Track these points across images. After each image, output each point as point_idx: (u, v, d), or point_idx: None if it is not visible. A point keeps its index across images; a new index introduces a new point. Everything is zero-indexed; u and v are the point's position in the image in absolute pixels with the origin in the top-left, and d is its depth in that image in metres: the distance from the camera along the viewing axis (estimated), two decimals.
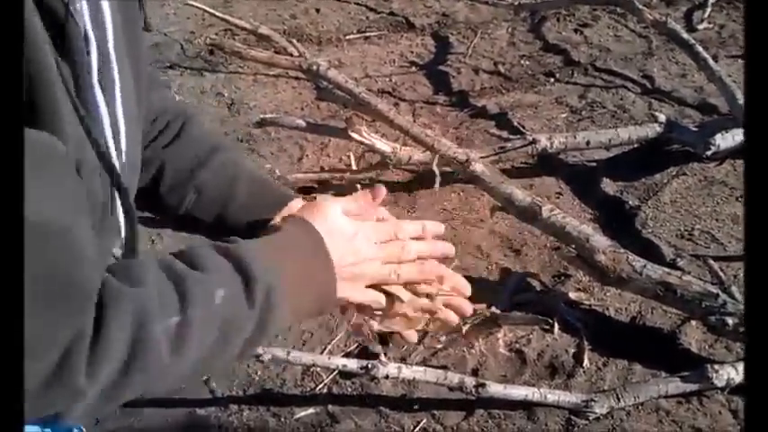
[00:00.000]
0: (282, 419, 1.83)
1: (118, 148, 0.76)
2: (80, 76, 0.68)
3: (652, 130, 2.54)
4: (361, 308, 0.89)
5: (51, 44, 0.62)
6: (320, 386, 1.89)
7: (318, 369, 1.90)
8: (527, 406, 1.77)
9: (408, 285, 0.90)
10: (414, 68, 3.37)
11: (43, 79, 0.60)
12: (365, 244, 0.84)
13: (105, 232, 0.74)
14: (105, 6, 0.72)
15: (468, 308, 0.98)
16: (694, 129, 2.57)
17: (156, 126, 0.97)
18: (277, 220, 0.94)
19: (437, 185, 2.18)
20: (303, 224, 0.81)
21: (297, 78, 3.20)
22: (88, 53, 0.70)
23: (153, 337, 0.63)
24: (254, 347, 0.75)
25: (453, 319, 0.98)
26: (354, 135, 2.36)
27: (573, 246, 1.94)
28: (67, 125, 0.63)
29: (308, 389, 1.89)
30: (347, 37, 3.66)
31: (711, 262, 1.96)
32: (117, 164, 0.75)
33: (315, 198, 0.93)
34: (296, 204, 0.96)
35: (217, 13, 2.80)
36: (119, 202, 0.76)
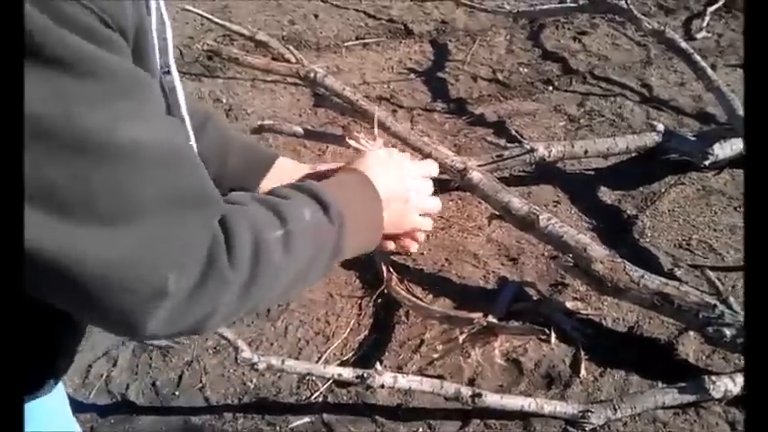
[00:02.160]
0: (277, 428, 1.82)
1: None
2: (164, 53, 0.79)
3: (650, 139, 2.54)
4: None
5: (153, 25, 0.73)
6: (316, 395, 1.88)
7: (314, 378, 1.89)
8: (523, 416, 1.76)
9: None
10: (412, 75, 3.37)
11: (152, 61, 0.72)
12: (410, 188, 0.98)
13: None
14: (165, 12, 0.81)
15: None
16: (692, 138, 2.57)
17: None
18: (273, 178, 1.06)
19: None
20: (359, 174, 0.93)
21: (295, 85, 3.19)
22: (163, 52, 0.80)
23: (269, 241, 0.74)
24: (334, 262, 0.86)
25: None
26: (352, 142, 2.35)
27: (570, 255, 1.93)
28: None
29: (304, 397, 1.88)
30: (346, 43, 3.66)
31: (709, 272, 1.95)
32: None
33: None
34: (283, 163, 1.09)
35: (215, 19, 2.79)
36: None
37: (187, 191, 0.67)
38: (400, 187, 0.96)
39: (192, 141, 0.88)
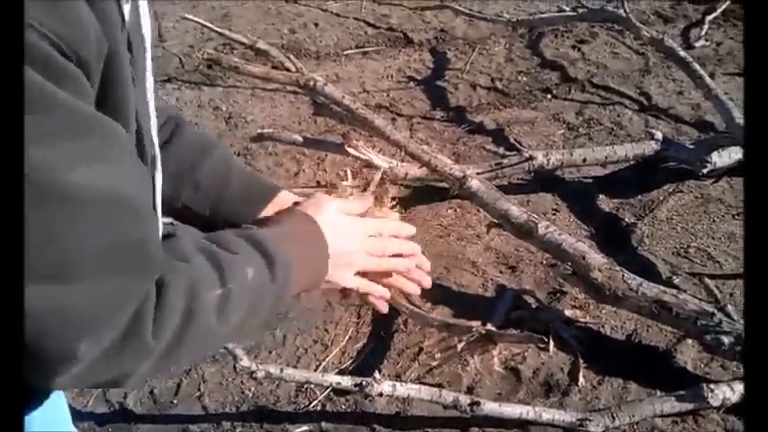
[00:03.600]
0: None
1: (155, 147, 0.85)
2: (138, 75, 0.75)
3: (648, 148, 2.54)
4: (346, 291, 1.02)
5: (126, 45, 0.69)
6: (314, 403, 1.88)
7: (312, 386, 1.89)
8: (522, 424, 1.76)
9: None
10: (411, 84, 3.38)
11: (122, 78, 0.67)
12: (358, 237, 0.98)
13: None
14: (145, 11, 0.78)
15: (427, 281, 1.10)
16: (691, 146, 2.57)
17: None
18: (272, 210, 1.04)
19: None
20: (306, 217, 0.93)
21: (294, 93, 3.20)
22: (134, 61, 0.75)
23: (204, 305, 0.72)
24: (272, 316, 0.88)
25: (413, 288, 1.10)
26: (351, 150, 2.36)
27: (569, 263, 1.93)
28: (131, 123, 0.71)
29: (302, 406, 1.88)
30: (345, 52, 3.67)
31: (707, 280, 1.95)
32: (159, 165, 0.84)
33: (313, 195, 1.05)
34: (284, 196, 1.07)
35: (215, 28, 2.80)
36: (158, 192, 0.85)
37: (124, 249, 0.63)
38: (347, 245, 0.96)
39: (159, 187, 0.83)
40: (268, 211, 1.05)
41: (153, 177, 0.81)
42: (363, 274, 1.00)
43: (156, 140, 0.82)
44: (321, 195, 1.00)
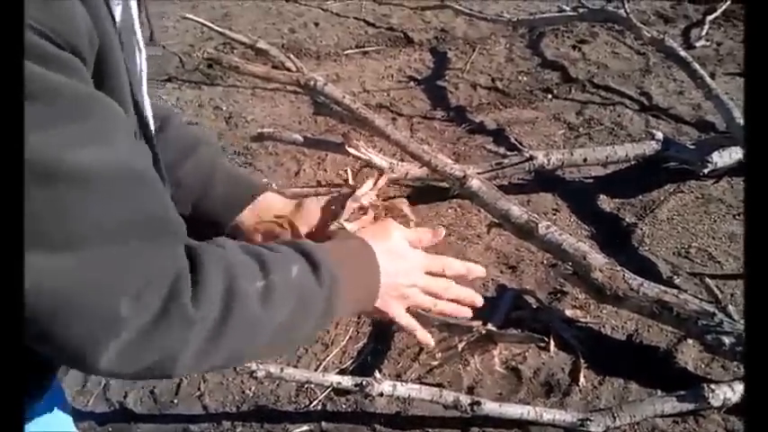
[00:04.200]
0: None
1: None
2: (134, 78, 0.74)
3: (649, 148, 2.54)
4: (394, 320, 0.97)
5: (120, 48, 0.69)
6: (314, 403, 1.88)
7: (313, 386, 1.89)
8: (522, 424, 1.75)
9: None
10: (412, 84, 3.38)
11: (118, 74, 0.68)
12: (417, 272, 0.93)
13: None
14: (135, 16, 0.78)
15: (479, 300, 1.04)
16: (691, 146, 2.57)
17: None
18: (257, 210, 1.02)
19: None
20: (359, 240, 0.89)
21: (294, 93, 3.20)
22: (129, 57, 0.75)
23: (244, 290, 0.70)
24: (322, 327, 0.82)
25: (465, 312, 1.05)
26: (352, 150, 2.36)
27: (569, 263, 1.93)
28: (130, 107, 0.71)
29: (303, 405, 1.88)
30: (346, 52, 3.67)
31: (708, 280, 1.95)
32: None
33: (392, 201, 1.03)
34: (269, 197, 1.04)
35: (215, 27, 2.79)
36: None
37: (144, 219, 0.64)
38: (404, 278, 0.91)
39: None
40: (253, 210, 1.02)
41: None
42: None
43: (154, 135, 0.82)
44: (387, 222, 0.96)
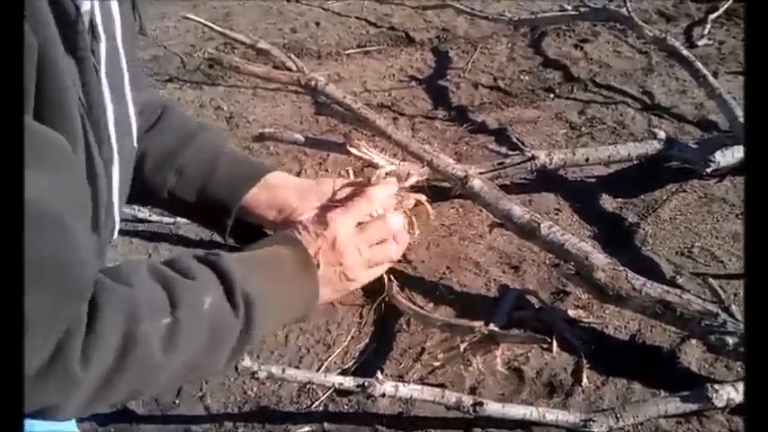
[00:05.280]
0: None
1: (128, 141, 0.79)
2: (86, 73, 0.71)
3: (652, 147, 2.53)
4: None
5: (61, 41, 0.65)
6: (316, 404, 1.87)
7: (315, 386, 1.88)
8: (525, 425, 1.75)
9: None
10: (413, 83, 3.38)
11: (54, 75, 0.63)
12: (359, 261, 0.92)
13: (104, 229, 0.76)
14: (114, 7, 0.77)
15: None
16: (694, 145, 2.56)
17: (139, 118, 0.98)
18: (263, 192, 1.01)
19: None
20: (296, 247, 0.86)
21: (296, 93, 3.20)
22: (93, 51, 0.73)
23: (145, 334, 0.65)
24: (240, 354, 0.78)
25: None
26: (353, 150, 2.34)
27: (572, 263, 1.92)
28: (73, 120, 0.66)
29: (304, 406, 1.87)
30: (347, 51, 3.66)
31: (711, 280, 1.94)
32: (117, 158, 0.79)
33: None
34: (276, 176, 1.03)
35: (216, 27, 2.79)
36: (116, 199, 0.80)
37: (42, 264, 0.58)
38: (332, 257, 0.89)
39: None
40: (262, 190, 1.01)
41: (110, 173, 0.78)
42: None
43: (114, 135, 0.78)
44: (333, 214, 0.93)
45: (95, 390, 0.63)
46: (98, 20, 0.74)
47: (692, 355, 1.93)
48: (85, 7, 0.70)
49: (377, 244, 0.96)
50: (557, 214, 2.49)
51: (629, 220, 2.46)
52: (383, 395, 1.72)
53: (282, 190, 1.01)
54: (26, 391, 0.58)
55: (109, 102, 0.77)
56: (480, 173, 2.30)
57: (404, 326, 2.07)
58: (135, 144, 0.84)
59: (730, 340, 1.72)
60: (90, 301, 0.64)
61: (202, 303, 0.71)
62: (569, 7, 3.50)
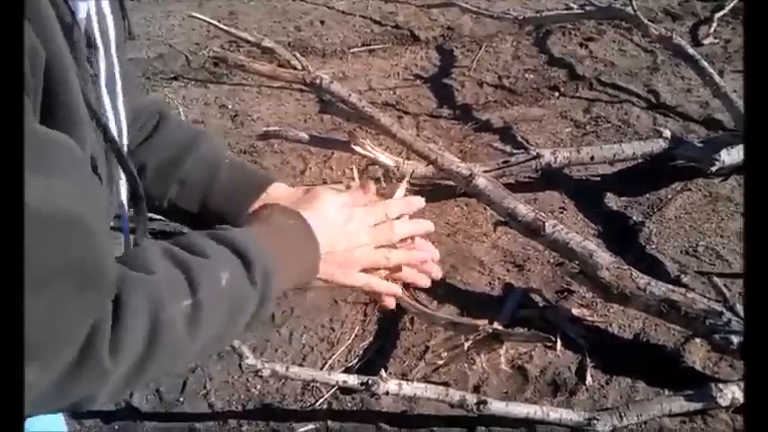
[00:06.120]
0: None
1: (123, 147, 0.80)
2: (86, 82, 0.71)
3: (657, 146, 2.53)
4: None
5: (75, 48, 0.66)
6: (320, 401, 1.87)
7: (318, 384, 1.89)
8: (529, 424, 1.75)
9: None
10: (418, 82, 3.37)
11: (65, 82, 0.64)
12: (357, 230, 0.90)
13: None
14: (108, 14, 0.76)
15: (437, 271, 1.03)
16: (699, 144, 2.56)
17: (134, 126, 0.98)
18: (259, 207, 0.96)
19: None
20: (292, 213, 0.86)
21: (300, 91, 3.20)
22: (89, 60, 0.73)
23: (169, 318, 0.67)
24: (256, 322, 0.79)
25: (424, 281, 1.02)
26: (357, 148, 2.35)
27: (576, 261, 1.92)
28: (85, 127, 0.67)
29: (308, 404, 1.87)
30: (352, 50, 3.66)
31: (716, 279, 1.93)
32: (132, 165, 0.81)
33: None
34: (277, 188, 1.01)
35: (221, 26, 2.79)
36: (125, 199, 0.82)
37: (71, 268, 0.59)
38: (346, 241, 0.89)
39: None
40: (260, 203, 0.99)
41: (135, 192, 0.79)
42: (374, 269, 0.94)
43: (125, 147, 0.80)
44: (318, 189, 0.93)
45: (127, 377, 0.65)
46: (95, 28, 0.74)
47: (697, 354, 1.93)
48: (81, 14, 0.70)
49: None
50: (561, 213, 2.49)
51: (634, 218, 2.45)
52: (387, 393, 1.72)
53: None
54: (56, 392, 0.60)
55: (110, 110, 0.78)
56: (485, 171, 2.30)
57: (408, 324, 2.07)
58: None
59: (735, 339, 1.72)
60: (115, 295, 0.65)
61: (220, 280, 0.73)
62: (575, 6, 3.49)
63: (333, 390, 1.88)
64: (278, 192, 1.02)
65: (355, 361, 1.99)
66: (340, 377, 1.75)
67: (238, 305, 0.75)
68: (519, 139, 2.81)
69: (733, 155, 2.44)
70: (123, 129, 0.82)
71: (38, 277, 0.56)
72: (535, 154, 2.42)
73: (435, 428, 1.79)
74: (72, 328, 0.60)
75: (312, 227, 0.85)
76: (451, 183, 2.30)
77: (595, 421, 1.70)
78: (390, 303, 1.00)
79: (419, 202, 1.01)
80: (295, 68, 2.45)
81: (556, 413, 1.73)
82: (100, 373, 0.62)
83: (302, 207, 0.88)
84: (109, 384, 0.64)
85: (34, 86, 0.60)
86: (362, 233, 0.91)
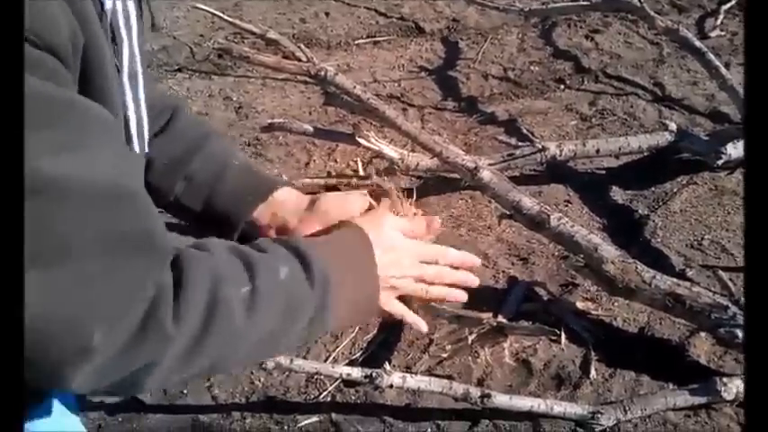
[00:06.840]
0: (285, 427, 1.81)
1: (142, 144, 0.80)
2: (120, 66, 0.74)
3: (662, 139, 2.52)
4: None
5: (108, 38, 0.68)
6: (324, 394, 1.87)
7: (322, 377, 1.88)
8: (533, 417, 1.75)
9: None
10: (423, 74, 3.36)
11: (103, 65, 0.66)
12: (409, 261, 0.90)
13: None
14: (131, 6, 0.76)
15: (473, 280, 1.02)
16: (705, 137, 2.55)
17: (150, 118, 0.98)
18: (271, 207, 0.98)
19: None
20: (357, 231, 0.87)
21: (305, 83, 3.19)
22: (115, 53, 0.74)
23: (228, 297, 0.68)
24: (315, 331, 0.79)
25: (461, 296, 1.02)
26: (362, 140, 2.34)
27: (581, 255, 1.92)
28: (118, 109, 0.70)
29: (312, 397, 1.88)
30: (356, 42, 3.65)
31: (721, 273, 1.93)
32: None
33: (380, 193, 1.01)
34: (284, 192, 1.00)
35: (226, 17, 2.78)
36: None
37: (126, 235, 0.61)
38: (397, 269, 0.89)
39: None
40: (268, 207, 1.00)
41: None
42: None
43: (135, 136, 0.80)
44: (379, 211, 0.93)
45: (186, 350, 0.66)
46: (120, 21, 0.74)
47: (702, 348, 1.92)
48: (108, 6, 0.70)
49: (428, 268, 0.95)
50: (566, 206, 2.48)
51: (639, 212, 2.45)
52: (391, 386, 1.72)
53: (284, 210, 1.00)
54: (120, 358, 0.61)
55: (131, 102, 0.78)
56: (490, 164, 2.29)
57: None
58: (146, 147, 0.84)
59: (740, 333, 1.72)
60: (176, 266, 0.67)
61: (278, 272, 0.73)
62: None
63: (336, 382, 1.88)
64: (285, 196, 1.01)
65: (359, 354, 1.99)
66: (344, 370, 1.75)
67: (296, 303, 0.75)
68: (524, 131, 2.80)
69: (739, 148, 2.43)
70: (144, 121, 0.82)
71: (88, 243, 0.58)
72: (540, 147, 2.42)
73: (439, 421, 1.79)
74: (135, 291, 0.62)
75: (372, 247, 0.85)
76: (456, 175, 2.29)
77: (599, 415, 1.70)
78: (422, 327, 1.00)
79: (475, 260, 1.01)
80: (300, 60, 2.44)
81: (560, 407, 1.73)
82: (163, 336, 0.63)
83: (365, 225, 0.88)
84: (170, 352, 0.65)
85: (73, 68, 0.62)
86: (412, 265, 0.91)
